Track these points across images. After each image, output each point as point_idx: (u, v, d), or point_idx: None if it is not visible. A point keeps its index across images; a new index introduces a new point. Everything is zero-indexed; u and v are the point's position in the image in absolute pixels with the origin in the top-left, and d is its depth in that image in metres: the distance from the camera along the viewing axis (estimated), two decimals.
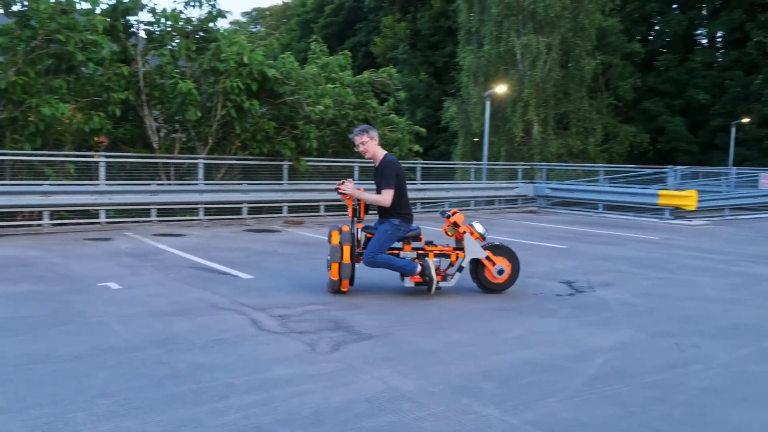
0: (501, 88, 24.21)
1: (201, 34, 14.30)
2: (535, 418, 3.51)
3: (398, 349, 4.71)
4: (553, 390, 3.95)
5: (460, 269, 6.73)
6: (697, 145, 33.34)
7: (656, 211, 17.03)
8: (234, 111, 13.30)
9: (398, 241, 6.70)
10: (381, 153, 6.71)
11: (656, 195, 16.99)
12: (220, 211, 13.91)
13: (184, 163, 13.85)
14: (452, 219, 6.71)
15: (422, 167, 17.76)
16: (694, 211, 16.59)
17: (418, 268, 6.50)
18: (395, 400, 3.73)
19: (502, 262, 6.72)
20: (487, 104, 22.13)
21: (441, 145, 39.95)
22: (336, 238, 6.47)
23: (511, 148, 29.06)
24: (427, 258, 6.62)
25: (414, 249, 6.69)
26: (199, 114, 13.04)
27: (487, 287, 6.78)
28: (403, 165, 17.88)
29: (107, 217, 12.48)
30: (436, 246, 6.81)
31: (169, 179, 13.58)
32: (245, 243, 10.53)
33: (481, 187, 19.27)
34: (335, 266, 6.41)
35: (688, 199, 16.32)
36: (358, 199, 6.68)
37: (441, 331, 5.25)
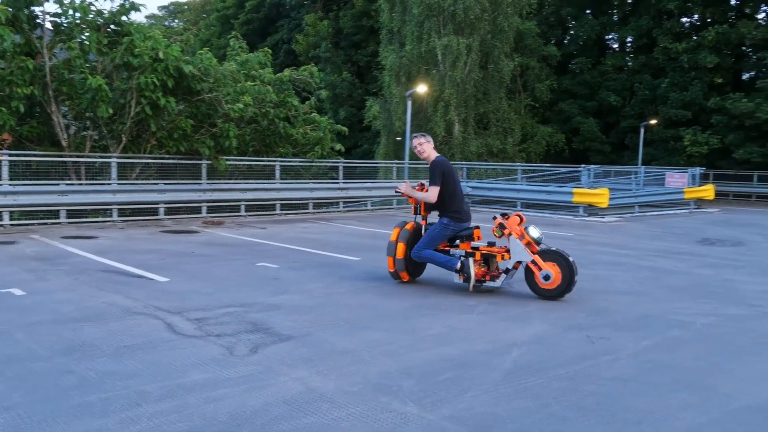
0: (422, 88, 24.44)
1: (113, 27, 13.73)
2: (452, 414, 3.55)
3: (318, 350, 4.68)
4: (470, 385, 4.01)
5: (507, 271, 6.72)
6: (609, 145, 34.69)
7: (571, 208, 17.63)
8: (149, 108, 12.88)
9: (454, 239, 7.05)
10: (433, 155, 7.13)
11: (571, 193, 17.60)
12: (135, 212, 13.46)
13: (95, 162, 13.30)
14: (498, 220, 6.73)
15: (344, 166, 17.74)
16: (606, 208, 17.29)
17: (458, 265, 6.73)
18: (314, 401, 3.69)
19: (550, 268, 6.49)
20: (409, 104, 22.30)
21: (364, 144, 40.02)
22: (395, 235, 7.13)
23: (434, 146, 29.38)
24: (469, 257, 6.77)
25: (471, 248, 6.88)
26: (111, 111, 12.53)
27: (537, 293, 6.63)
28: (324, 164, 17.86)
29: (11, 220, 11.85)
30: (492, 247, 6.85)
31: (79, 179, 13.02)
32: (161, 245, 10.22)
33: None
34: (390, 260, 7.14)
35: (601, 197, 16.98)
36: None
37: (362, 331, 5.25)
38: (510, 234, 6.63)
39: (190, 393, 3.77)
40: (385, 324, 5.47)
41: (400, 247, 7.08)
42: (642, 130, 30.53)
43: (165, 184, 13.77)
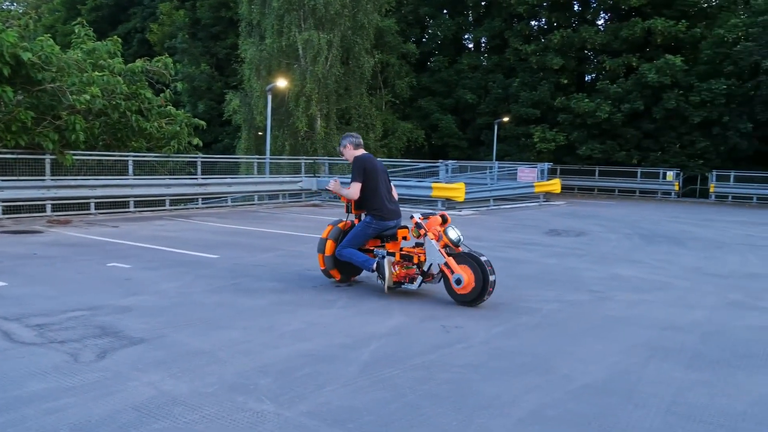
0: (282, 82, 24.23)
1: None
2: (309, 409, 3.57)
3: (172, 352, 4.52)
4: (328, 380, 4.04)
5: (425, 273, 6.47)
6: (466, 141, 36.12)
7: (430, 202, 18.20)
8: None
9: (377, 238, 6.93)
10: (356, 153, 7.05)
11: (430, 188, 18.17)
12: None
13: None
14: (415, 220, 6.49)
15: (203, 161, 17.20)
16: (463, 202, 18.03)
17: (374, 265, 6.60)
18: (166, 405, 3.57)
19: (462, 271, 6.12)
20: (269, 98, 22.03)
21: (224, 138, 39.03)
22: (326, 233, 7.04)
23: (296, 142, 29.23)
24: (387, 257, 6.62)
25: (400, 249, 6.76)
26: None
27: (453, 298, 6.28)
28: (181, 159, 17.21)
29: None
30: (413, 248, 6.65)
31: None
32: None
33: (265, 181, 19.17)
34: (320, 257, 7.02)
35: (458, 191, 17.68)
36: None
37: (218, 330, 5.13)
38: (425, 234, 6.42)
39: (28, 405, 3.51)
40: (242, 322, 5.38)
41: (329, 245, 6.96)
42: (496, 127, 32.09)
43: (2, 180, 12.69)
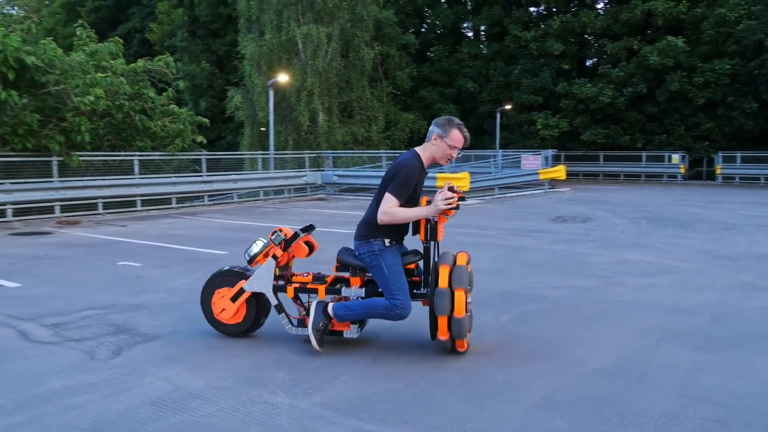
0: (283, 77, 24.24)
1: None
2: (324, 400, 3.62)
3: (186, 347, 4.58)
4: (341, 371, 4.09)
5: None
6: (468, 130, 35.99)
7: (434, 192, 18.18)
8: None
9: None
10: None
11: (434, 178, 18.16)
12: None
13: None
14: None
15: (208, 158, 17.25)
16: (468, 191, 18.02)
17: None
18: (182, 399, 3.63)
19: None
20: (271, 93, 22.04)
21: (228, 135, 39.05)
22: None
23: (299, 137, 29.25)
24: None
25: None
26: None
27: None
28: (186, 157, 17.33)
29: None
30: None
31: None
32: (10, 248, 9.50)
33: (270, 176, 19.22)
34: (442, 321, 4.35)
35: (462, 180, 17.68)
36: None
37: None
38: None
39: (48, 402, 3.58)
40: None
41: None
42: (498, 115, 32.03)
43: (11, 183, 12.78)
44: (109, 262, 8.20)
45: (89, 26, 17.38)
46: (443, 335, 4.25)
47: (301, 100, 28.15)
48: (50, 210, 13.51)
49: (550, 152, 24.07)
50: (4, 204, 12.66)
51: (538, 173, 21.91)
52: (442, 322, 4.22)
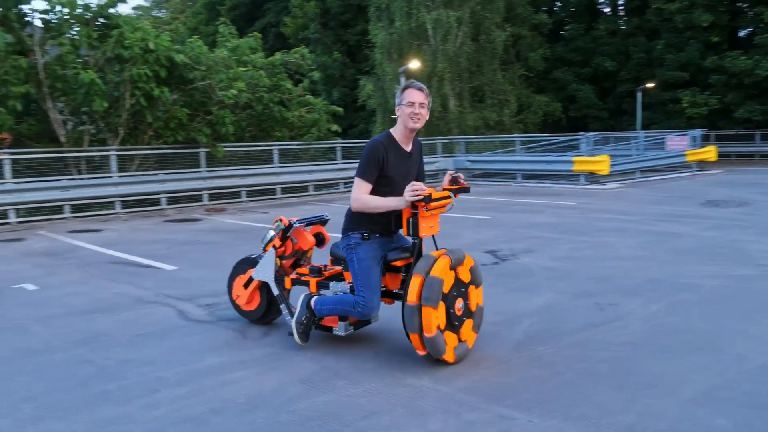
0: (415, 64, 24.33)
1: (102, 20, 13.66)
2: (466, 385, 3.59)
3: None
4: (482, 357, 4.05)
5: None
6: (606, 111, 34.51)
7: (572, 177, 17.62)
8: (143, 99, 12.85)
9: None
10: None
11: (571, 162, 17.58)
12: (137, 203, 13.48)
13: (95, 156, 13.31)
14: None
15: (342, 147, 17.69)
16: (608, 175, 17.28)
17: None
18: (330, 379, 3.74)
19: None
20: (402, 80, 22.19)
21: (360, 124, 39.82)
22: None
23: (429, 123, 29.22)
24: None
25: None
26: (106, 104, 12.52)
27: None
28: (322, 145, 17.80)
29: (17, 217, 11.88)
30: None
31: (80, 173, 13.03)
32: (166, 234, 10.25)
33: None
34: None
35: (601, 164, 16.97)
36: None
37: None
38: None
39: (207, 377, 3.81)
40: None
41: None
42: (639, 94, 30.33)
43: (165, 174, 13.78)
44: (255, 247, 8.59)
45: (230, 23, 18.32)
46: (420, 351, 3.87)
47: (431, 86, 28.11)
48: (199, 198, 14.41)
49: (698, 132, 22.51)
50: (158, 193, 13.66)
51: (684, 155, 20.57)
52: (414, 338, 3.84)
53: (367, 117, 37.25)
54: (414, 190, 3.77)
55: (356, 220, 4.10)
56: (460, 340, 3.96)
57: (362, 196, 3.99)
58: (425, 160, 19.82)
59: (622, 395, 3.42)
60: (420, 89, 4.00)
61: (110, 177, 13.00)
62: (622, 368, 3.81)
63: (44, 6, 13.10)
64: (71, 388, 3.70)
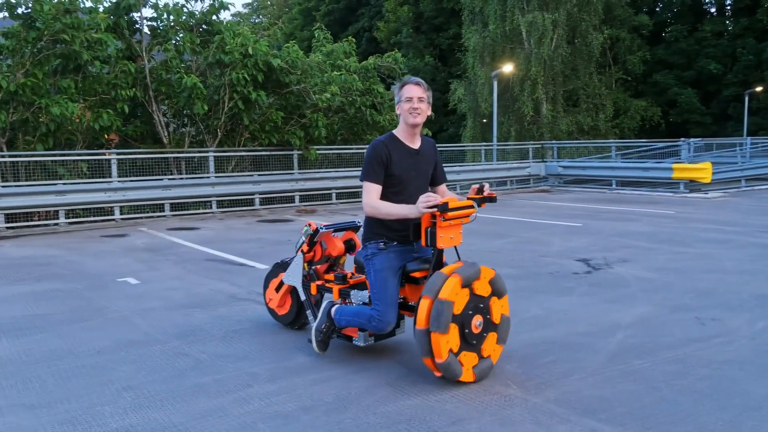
0: (508, 68, 24.04)
1: (204, 27, 14.30)
2: (557, 397, 3.51)
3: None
4: (574, 368, 3.94)
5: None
6: (709, 116, 32.97)
7: (670, 185, 16.91)
8: (241, 102, 13.30)
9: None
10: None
11: (670, 169, 16.86)
12: (232, 203, 13.97)
13: (194, 157, 13.90)
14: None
15: None
16: (710, 183, 16.47)
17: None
18: (416, 383, 3.73)
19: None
20: (495, 84, 21.98)
21: (450, 128, 39.78)
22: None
23: (521, 127, 28.87)
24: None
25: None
26: (207, 107, 13.06)
27: None
28: None
29: (122, 214, 12.57)
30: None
31: (180, 173, 13.63)
32: (259, 234, 10.56)
33: (492, 168, 19.19)
34: None
35: (703, 171, 16.18)
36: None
37: None
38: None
39: (297, 375, 3.89)
40: None
41: None
42: (747, 99, 28.81)
43: (259, 175, 14.21)
44: None
45: (325, 28, 18.70)
46: (436, 373, 3.67)
47: (524, 90, 27.73)
48: (291, 199, 14.77)
49: None
50: (252, 194, 14.10)
51: None
52: (427, 362, 3.63)
53: (457, 121, 37.16)
54: (428, 200, 3.58)
55: (373, 229, 3.97)
56: (481, 357, 3.75)
57: (374, 200, 3.83)
58: (513, 165, 19.49)
59: (725, 416, 3.25)
60: (417, 84, 3.88)
61: (208, 177, 13.53)
62: (724, 388, 3.62)
63: (152, 14, 13.86)
64: (169, 379, 3.87)
